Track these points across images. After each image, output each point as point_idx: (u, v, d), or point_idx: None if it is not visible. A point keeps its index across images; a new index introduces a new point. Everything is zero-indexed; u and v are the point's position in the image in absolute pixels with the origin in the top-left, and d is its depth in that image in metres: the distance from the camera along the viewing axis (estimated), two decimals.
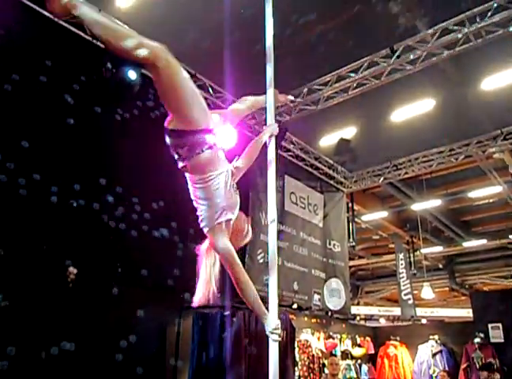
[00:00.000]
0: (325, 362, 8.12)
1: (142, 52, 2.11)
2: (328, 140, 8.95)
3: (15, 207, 4.82)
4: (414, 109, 7.61)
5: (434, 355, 9.38)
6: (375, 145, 8.96)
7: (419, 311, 11.66)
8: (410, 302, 11.58)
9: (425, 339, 9.64)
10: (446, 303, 17.76)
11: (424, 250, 13.78)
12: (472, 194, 10.92)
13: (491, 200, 11.57)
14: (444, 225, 12.62)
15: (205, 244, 2.44)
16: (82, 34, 5.80)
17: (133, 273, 5.73)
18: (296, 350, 7.91)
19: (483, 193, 10.78)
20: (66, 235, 5.25)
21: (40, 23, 5.41)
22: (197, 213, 2.38)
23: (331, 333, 9.21)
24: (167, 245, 6.26)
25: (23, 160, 4.90)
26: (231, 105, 2.80)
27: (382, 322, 11.86)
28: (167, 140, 2.32)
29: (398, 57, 6.42)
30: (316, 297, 8.93)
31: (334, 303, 9.32)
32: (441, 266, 15.69)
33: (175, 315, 6.17)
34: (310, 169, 9.53)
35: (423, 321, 11.35)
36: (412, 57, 6.37)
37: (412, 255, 13.49)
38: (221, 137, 2.51)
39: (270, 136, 2.67)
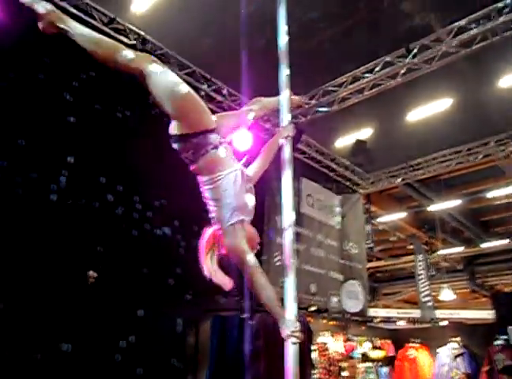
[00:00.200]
0: (344, 364, 8.07)
1: (129, 62, 2.16)
2: (344, 142, 8.91)
3: (36, 212, 4.89)
4: (431, 108, 7.54)
5: (455, 358, 9.22)
6: (392, 146, 8.88)
7: (439, 313, 11.44)
8: (429, 303, 11.41)
9: (445, 341, 9.50)
10: (467, 305, 17.47)
11: (443, 251, 13.57)
12: (492, 194, 10.72)
13: (510, 200, 11.36)
14: (463, 225, 12.44)
15: (205, 237, 2.41)
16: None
17: (152, 277, 5.77)
18: (315, 352, 7.87)
19: (502, 192, 10.58)
20: (87, 239, 5.31)
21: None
22: (210, 215, 2.38)
23: (349, 336, 9.14)
24: (187, 250, 6.29)
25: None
26: (244, 106, 2.78)
27: (401, 324, 11.72)
28: (173, 145, 2.35)
29: (414, 56, 6.37)
30: (334, 299, 8.88)
31: (352, 305, 9.24)
32: (460, 267, 15.44)
33: (193, 318, 6.19)
34: (326, 171, 9.49)
35: (444, 323, 11.19)
36: (427, 56, 6.32)
37: (430, 256, 13.30)
38: (229, 136, 2.51)
39: (286, 138, 2.63)
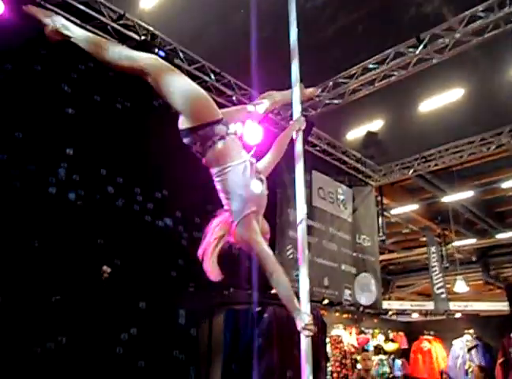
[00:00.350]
0: (358, 357, 8.07)
1: (132, 63, 2.26)
2: (355, 134, 8.86)
3: (51, 208, 4.93)
4: (442, 99, 7.46)
5: (469, 350, 9.17)
6: (404, 137, 8.82)
7: (453, 305, 11.40)
8: (443, 295, 11.37)
9: (460, 333, 9.43)
10: (481, 297, 17.36)
11: (457, 243, 13.49)
12: (506, 184, 10.61)
13: None
14: (477, 217, 12.33)
15: (216, 221, 2.42)
16: (109, 38, 5.90)
17: (165, 271, 5.80)
18: (328, 345, 7.87)
19: None
20: (101, 235, 5.35)
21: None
22: (224, 208, 2.38)
23: (363, 328, 9.13)
24: (199, 243, 6.32)
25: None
26: (256, 100, 2.77)
27: (415, 317, 11.68)
28: (183, 140, 2.38)
29: (425, 46, 6.29)
30: (347, 292, 8.87)
31: (365, 298, 9.23)
32: (474, 259, 15.34)
33: (206, 312, 6.22)
34: (337, 163, 9.46)
35: (458, 315, 11.13)
36: (439, 45, 6.24)
37: (444, 248, 13.22)
38: (237, 128, 2.52)
39: (297, 131, 2.64)
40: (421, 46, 6.30)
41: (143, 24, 5.97)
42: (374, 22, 5.92)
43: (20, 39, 4.92)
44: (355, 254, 9.39)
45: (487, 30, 5.90)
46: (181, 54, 6.45)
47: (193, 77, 6.70)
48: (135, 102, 5.93)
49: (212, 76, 6.87)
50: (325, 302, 8.16)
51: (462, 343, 9.29)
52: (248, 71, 5.95)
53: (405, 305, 12.71)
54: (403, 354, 9.99)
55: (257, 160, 2.64)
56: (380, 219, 10.37)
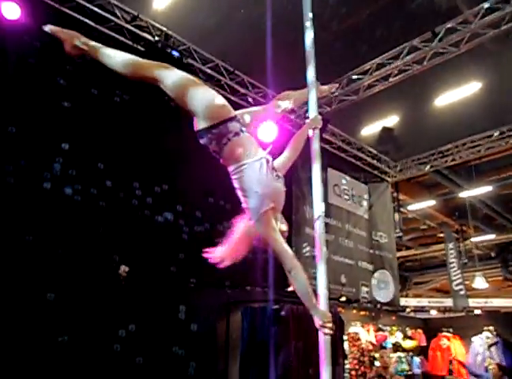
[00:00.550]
0: (376, 354, 8.03)
1: (147, 73, 2.37)
2: (370, 130, 8.80)
3: (71, 210, 4.99)
4: (459, 93, 7.36)
5: (489, 347, 9.07)
6: (420, 132, 8.73)
7: (472, 302, 11.26)
8: (462, 292, 11.24)
9: (479, 330, 9.34)
10: (500, 293, 17.12)
11: (475, 239, 13.32)
12: None
13: None
14: (495, 212, 12.15)
15: (241, 225, 2.43)
16: (124, 39, 5.95)
17: (183, 270, 5.83)
18: (346, 343, 7.85)
19: None
20: (119, 235, 5.38)
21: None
22: (243, 207, 2.39)
23: (381, 326, 9.09)
24: (217, 242, 6.34)
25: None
26: (272, 101, 2.77)
27: (433, 314, 11.58)
28: (200, 142, 2.40)
29: (440, 40, 6.21)
30: (364, 289, 8.83)
31: (383, 295, 9.18)
32: (493, 254, 15.13)
33: (223, 310, 6.25)
34: (353, 160, 9.41)
35: (477, 312, 11.00)
36: (455, 39, 6.15)
37: (462, 244, 13.07)
38: (253, 125, 2.54)
39: (314, 129, 2.63)
40: (436, 40, 6.23)
41: (156, 24, 6.00)
42: (389, 17, 5.87)
43: (12, 31, 4.88)
44: (371, 251, 9.34)
45: (504, 22, 5.80)
46: (194, 54, 6.47)
47: (207, 76, 6.73)
48: (134, 95, 5.83)
49: (226, 75, 6.88)
50: (343, 299, 8.13)
51: (482, 340, 9.20)
52: (262, 69, 5.94)
53: (423, 302, 12.59)
54: (421, 351, 9.93)
55: (274, 158, 2.64)
56: (396, 215, 10.29)
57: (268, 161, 2.37)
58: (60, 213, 4.90)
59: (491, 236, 13.51)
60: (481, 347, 9.18)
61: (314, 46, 2.76)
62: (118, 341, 5.02)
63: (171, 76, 2.34)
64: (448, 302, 11.78)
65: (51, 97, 5.19)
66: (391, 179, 10.17)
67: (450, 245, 11.93)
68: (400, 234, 10.34)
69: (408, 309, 10.75)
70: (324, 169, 8.55)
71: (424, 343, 10.00)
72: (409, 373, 9.19)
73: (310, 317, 2.20)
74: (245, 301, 6.43)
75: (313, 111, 2.69)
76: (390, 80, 6.96)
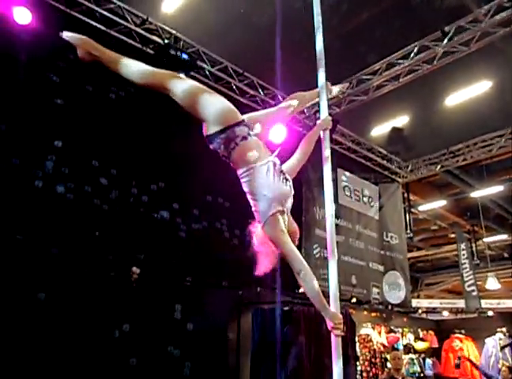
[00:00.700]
0: (388, 356, 7.98)
1: (159, 83, 2.37)
2: (380, 131, 8.76)
3: (63, 208, 4.94)
4: (470, 92, 7.31)
5: (502, 348, 8.98)
6: (430, 132, 8.68)
7: (485, 303, 11.14)
8: (474, 293, 11.13)
9: (492, 331, 9.25)
10: None
11: (487, 239, 13.19)
12: None
13: None
14: (507, 212, 12.04)
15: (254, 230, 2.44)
16: (133, 42, 5.98)
17: (195, 272, 5.85)
18: (357, 344, 7.81)
19: None
20: (131, 237, 5.40)
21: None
22: (253, 210, 2.40)
23: (392, 327, 9.03)
24: (228, 244, 6.35)
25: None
26: (282, 102, 2.78)
27: (446, 315, 11.49)
28: (210, 146, 2.43)
29: (450, 39, 6.18)
30: (375, 290, 8.79)
31: (394, 296, 9.13)
32: (506, 255, 14.98)
33: (234, 311, 6.26)
34: (363, 161, 9.37)
35: (490, 313, 10.89)
36: (465, 38, 6.11)
37: (474, 244, 12.95)
38: (263, 128, 2.54)
39: (324, 130, 2.63)
40: (446, 40, 6.19)
41: (166, 27, 6.03)
42: (398, 16, 5.84)
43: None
44: (382, 252, 9.29)
45: None
46: (204, 56, 6.50)
47: (217, 78, 6.75)
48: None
49: (235, 77, 6.90)
50: (354, 300, 8.10)
51: (495, 342, 9.10)
52: (271, 71, 5.95)
53: (435, 303, 12.49)
54: (433, 353, 9.85)
55: (284, 160, 2.65)
56: (407, 216, 10.23)
57: (275, 164, 2.38)
58: (52, 212, 4.85)
59: (504, 236, 13.37)
60: (494, 349, 9.09)
61: (324, 50, 2.75)
62: (117, 340, 5.04)
63: (181, 86, 2.35)
64: (460, 303, 11.68)
65: (43, 94, 5.13)
66: (402, 180, 10.11)
67: (462, 246, 11.83)
68: (411, 234, 10.28)
69: (419, 311, 10.68)
70: (334, 170, 8.47)
71: (436, 345, 9.92)
72: (421, 374, 9.12)
73: (321, 318, 2.20)
74: (256, 302, 6.44)
75: (323, 113, 2.69)
76: (400, 80, 6.93)
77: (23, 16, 4.85)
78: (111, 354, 4.88)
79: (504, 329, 9.12)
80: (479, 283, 11.60)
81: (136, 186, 5.68)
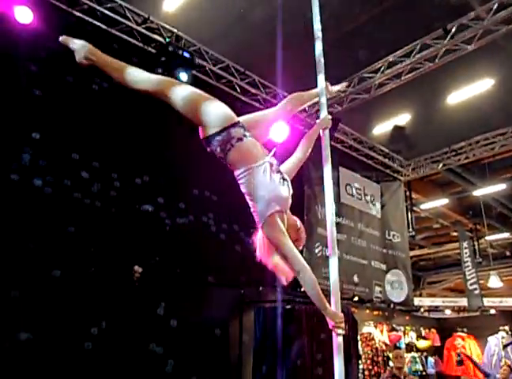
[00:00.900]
0: (390, 354, 7.98)
1: (153, 87, 2.38)
2: (382, 129, 8.75)
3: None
4: (472, 90, 7.29)
5: (504, 347, 8.98)
6: (432, 130, 8.66)
7: (487, 301, 11.14)
8: (476, 291, 11.12)
9: (495, 330, 9.25)
10: None
11: (489, 237, 13.17)
12: None
13: None
14: (510, 210, 12.02)
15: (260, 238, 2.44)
16: (134, 41, 5.98)
17: (196, 271, 5.86)
18: (359, 343, 7.82)
19: None
20: (132, 237, 5.37)
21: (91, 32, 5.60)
22: (251, 211, 2.40)
23: (394, 325, 9.04)
24: (228, 242, 6.35)
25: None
26: (281, 103, 2.78)
27: (448, 313, 11.48)
28: (207, 149, 2.44)
29: (452, 37, 6.16)
30: (377, 289, 8.78)
31: (396, 295, 9.12)
32: (508, 253, 14.96)
33: (236, 310, 6.26)
34: (364, 159, 9.36)
35: (492, 312, 10.89)
36: (467, 36, 6.09)
37: (476, 243, 12.94)
38: (263, 128, 2.55)
39: (324, 129, 2.64)
40: (448, 37, 6.18)
41: (167, 26, 6.03)
42: (399, 14, 5.83)
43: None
44: (384, 251, 9.29)
45: None
46: (205, 55, 6.49)
47: (218, 77, 6.75)
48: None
49: (237, 76, 6.89)
50: (356, 299, 8.10)
51: (497, 340, 9.11)
52: (273, 69, 5.95)
53: (437, 301, 12.49)
54: (436, 351, 9.85)
55: (284, 159, 2.65)
56: (409, 214, 10.22)
57: (272, 165, 2.38)
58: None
59: (506, 234, 13.35)
60: (496, 347, 9.10)
61: (324, 50, 2.76)
62: (117, 339, 4.99)
63: (181, 94, 2.36)
64: (462, 302, 11.67)
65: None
66: (404, 178, 10.10)
67: (464, 244, 11.82)
68: (413, 233, 10.27)
69: (421, 309, 10.68)
70: (336, 168, 8.54)
71: (438, 343, 9.93)
72: (423, 373, 9.12)
73: (323, 316, 2.20)
74: (258, 301, 6.44)
75: (323, 112, 2.70)
76: (402, 78, 6.92)
77: (24, 15, 4.85)
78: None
79: (506, 327, 9.12)
80: (481, 281, 11.59)
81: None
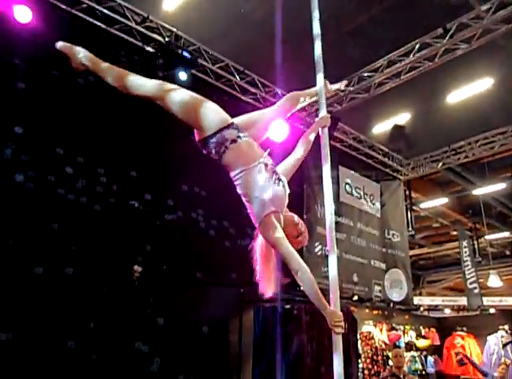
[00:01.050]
0: (389, 354, 7.98)
1: (149, 93, 2.40)
2: (382, 128, 8.75)
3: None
4: (471, 89, 7.29)
5: (504, 346, 8.98)
6: (432, 130, 8.66)
7: (486, 300, 11.14)
8: (476, 291, 11.12)
9: (494, 329, 9.25)
10: None
11: (489, 237, 13.19)
12: None
13: None
14: (509, 209, 12.03)
15: (259, 239, 2.45)
16: (134, 41, 5.98)
17: (197, 270, 5.85)
18: (359, 342, 7.82)
19: None
20: (132, 236, 5.34)
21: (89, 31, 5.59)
22: (248, 212, 2.40)
23: (394, 325, 9.03)
24: (226, 240, 6.35)
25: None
26: (279, 101, 2.78)
27: (447, 312, 11.49)
28: (203, 152, 2.45)
29: (452, 36, 6.15)
30: (377, 288, 8.79)
31: (396, 294, 9.13)
32: (508, 252, 14.97)
33: (236, 309, 6.26)
34: (364, 158, 9.36)
35: (492, 311, 10.89)
36: (466, 35, 6.09)
37: (476, 242, 12.95)
38: (261, 128, 2.55)
39: (323, 128, 2.64)
40: (448, 37, 6.17)
41: (166, 25, 6.03)
42: (399, 13, 5.82)
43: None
44: (384, 250, 9.29)
45: None
46: (205, 54, 6.49)
47: (218, 76, 6.75)
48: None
49: (236, 75, 6.89)
50: (355, 298, 8.10)
51: (497, 339, 9.11)
52: (272, 68, 5.94)
53: (437, 300, 12.50)
54: (435, 350, 9.85)
55: (284, 158, 2.65)
56: (409, 213, 10.22)
57: (266, 165, 2.37)
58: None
59: (506, 234, 13.37)
60: (496, 346, 9.09)
61: (324, 50, 2.76)
62: (117, 337, 4.97)
63: (178, 99, 2.37)
64: (462, 301, 11.69)
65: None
66: (403, 177, 10.10)
67: (464, 244, 11.82)
68: (413, 232, 10.27)
69: (421, 308, 10.69)
70: (335, 167, 8.53)
71: (438, 342, 9.92)
72: (423, 372, 9.12)
73: (322, 315, 2.20)
74: (257, 300, 6.43)
75: (322, 111, 2.70)
76: (401, 77, 6.91)
77: (23, 14, 4.85)
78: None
79: (506, 327, 9.12)
80: (481, 280, 11.60)
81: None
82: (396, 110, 8.19)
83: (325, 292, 2.24)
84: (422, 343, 9.48)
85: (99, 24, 5.66)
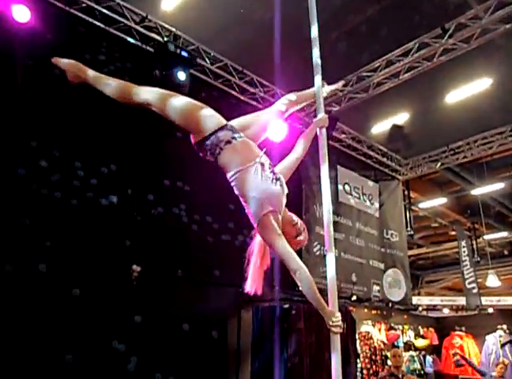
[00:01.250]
0: (388, 353, 7.98)
1: (145, 101, 2.42)
2: (380, 128, 8.75)
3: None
4: (470, 89, 7.30)
5: (502, 346, 8.98)
6: (430, 129, 8.66)
7: (485, 300, 11.14)
8: (475, 290, 11.12)
9: (492, 329, 9.25)
10: None
11: (488, 236, 13.20)
12: None
13: None
14: (508, 209, 12.04)
15: (258, 237, 2.45)
16: (132, 40, 5.98)
17: (195, 269, 5.85)
18: (357, 342, 7.82)
19: None
20: (131, 235, 5.34)
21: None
22: (246, 212, 2.40)
23: (392, 324, 9.04)
24: (225, 240, 6.35)
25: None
26: (277, 102, 2.78)
27: (446, 312, 11.49)
28: (200, 154, 2.46)
29: (450, 36, 6.15)
30: (375, 288, 8.79)
31: (394, 294, 9.14)
32: (506, 252, 14.99)
33: (235, 308, 6.26)
34: (363, 158, 9.37)
35: (490, 310, 10.89)
36: (465, 35, 6.09)
37: (474, 242, 12.96)
38: (258, 130, 2.55)
39: (321, 128, 2.63)
40: (446, 37, 6.17)
41: (165, 25, 6.02)
42: (397, 13, 5.83)
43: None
44: (383, 250, 9.30)
45: None
46: (203, 54, 6.49)
47: (216, 76, 6.74)
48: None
49: (235, 75, 6.89)
50: (354, 298, 8.10)
51: (495, 339, 9.10)
52: (271, 68, 5.94)
53: (435, 300, 12.50)
54: (434, 350, 9.85)
55: (282, 158, 2.65)
56: (408, 213, 10.23)
57: (263, 165, 2.37)
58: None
59: (504, 233, 13.39)
60: (494, 346, 9.09)
61: (323, 49, 2.77)
62: (118, 336, 4.98)
63: (177, 106, 2.39)
64: (461, 301, 11.68)
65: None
66: (402, 177, 10.11)
67: (463, 243, 11.82)
68: (412, 232, 10.28)
69: (420, 308, 10.68)
70: (334, 167, 8.53)
71: (436, 342, 9.93)
72: (421, 372, 9.12)
73: (320, 315, 2.20)
74: (256, 300, 6.43)
75: (320, 111, 2.70)
76: (400, 77, 6.92)
77: (22, 13, 4.84)
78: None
79: (504, 326, 9.12)
80: (479, 280, 11.59)
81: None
82: (394, 110, 8.19)
83: (324, 292, 2.24)
84: (420, 342, 9.48)
85: (97, 23, 5.65)
